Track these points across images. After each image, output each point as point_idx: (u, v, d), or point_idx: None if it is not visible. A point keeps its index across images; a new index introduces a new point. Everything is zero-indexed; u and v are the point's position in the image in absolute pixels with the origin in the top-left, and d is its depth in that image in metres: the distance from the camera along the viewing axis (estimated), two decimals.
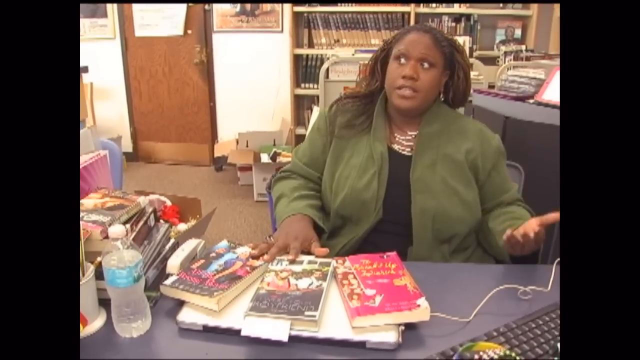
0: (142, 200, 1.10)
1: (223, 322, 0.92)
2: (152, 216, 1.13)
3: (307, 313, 0.89)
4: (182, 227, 2.71)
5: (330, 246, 1.29)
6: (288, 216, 1.27)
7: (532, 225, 1.09)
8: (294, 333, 0.88)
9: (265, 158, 3.98)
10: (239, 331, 0.88)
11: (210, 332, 0.91)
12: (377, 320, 0.89)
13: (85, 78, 4.01)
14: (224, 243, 1.17)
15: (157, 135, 4.91)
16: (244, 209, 3.85)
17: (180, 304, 0.97)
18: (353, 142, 1.35)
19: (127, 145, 4.92)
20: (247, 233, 3.45)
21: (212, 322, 0.92)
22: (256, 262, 1.08)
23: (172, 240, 1.19)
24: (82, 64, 3.37)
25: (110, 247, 0.88)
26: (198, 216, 2.80)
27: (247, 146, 4.16)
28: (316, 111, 4.00)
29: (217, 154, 4.51)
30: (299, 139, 4.34)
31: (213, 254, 1.11)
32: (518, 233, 1.10)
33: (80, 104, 3.29)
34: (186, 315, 0.93)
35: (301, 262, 1.09)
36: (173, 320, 0.93)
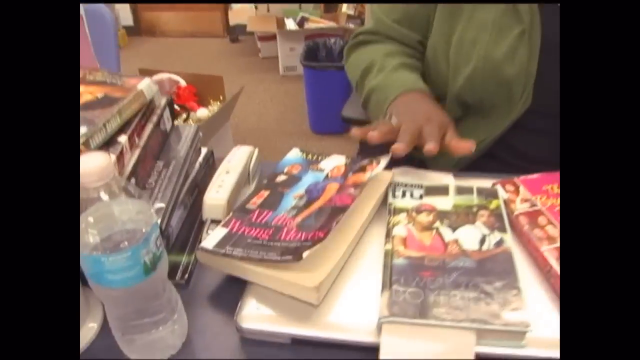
0: (146, 85, 0.59)
1: (333, 333, 0.46)
2: (166, 112, 0.64)
3: (506, 317, 0.43)
4: (202, 112, 2.21)
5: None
6: (399, 94, 0.78)
7: None
8: (479, 350, 0.43)
9: (291, 24, 3.38)
10: (363, 345, 0.44)
11: (303, 346, 0.47)
12: None
13: None
14: (295, 155, 0.68)
15: (160, 3, 4.26)
16: (269, 85, 3.32)
17: (242, 281, 0.52)
18: None
19: (127, 17, 4.29)
20: (276, 114, 2.96)
21: (304, 331, 0.46)
22: (365, 176, 0.60)
23: (203, 151, 0.71)
24: None
25: (89, 194, 0.40)
26: (221, 97, 2.30)
27: (267, 11, 3.56)
28: None
29: (232, 22, 3.92)
30: None
31: (282, 177, 0.63)
32: None
33: None
34: (253, 314, 0.48)
35: (446, 191, 0.61)
36: (226, 313, 0.49)
